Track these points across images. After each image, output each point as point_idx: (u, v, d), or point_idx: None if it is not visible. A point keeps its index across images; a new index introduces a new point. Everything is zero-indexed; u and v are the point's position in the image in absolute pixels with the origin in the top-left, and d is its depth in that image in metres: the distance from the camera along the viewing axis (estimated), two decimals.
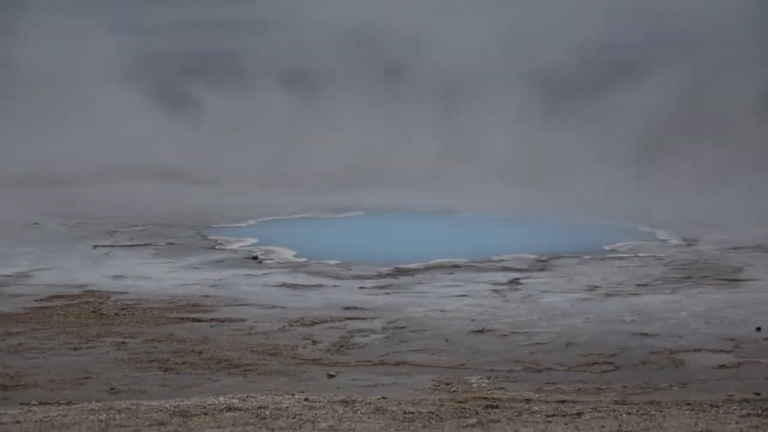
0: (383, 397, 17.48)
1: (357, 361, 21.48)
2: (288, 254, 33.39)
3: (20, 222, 38.99)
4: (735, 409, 16.64)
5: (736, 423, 15.44)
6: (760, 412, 16.40)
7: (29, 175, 51.02)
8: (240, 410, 16.22)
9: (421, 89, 61.57)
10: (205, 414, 15.97)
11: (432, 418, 15.74)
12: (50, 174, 51.26)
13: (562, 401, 17.36)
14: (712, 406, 16.97)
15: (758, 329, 23.62)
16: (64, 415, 15.98)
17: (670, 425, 15.25)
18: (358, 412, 16.12)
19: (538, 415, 16.04)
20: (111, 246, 35.00)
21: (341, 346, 22.70)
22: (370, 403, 16.77)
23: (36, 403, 17.58)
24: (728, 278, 29.53)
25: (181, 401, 17.22)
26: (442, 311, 25.78)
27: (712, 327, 24.07)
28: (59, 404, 17.31)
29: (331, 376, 20.22)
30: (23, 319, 25.22)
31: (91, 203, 43.69)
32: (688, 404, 17.09)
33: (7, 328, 24.32)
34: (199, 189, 47.29)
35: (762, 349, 22.22)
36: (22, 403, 17.45)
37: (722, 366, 21.01)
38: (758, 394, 18.26)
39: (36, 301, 27.23)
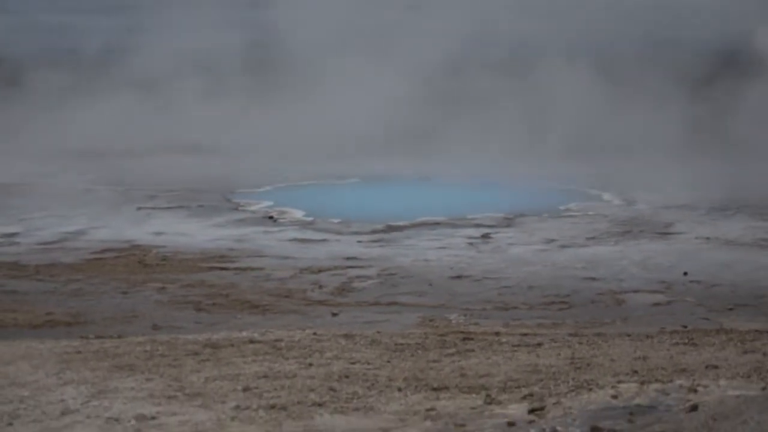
0: (378, 332, 17.61)
1: (356, 302, 21.60)
2: (298, 214, 33.47)
3: (77, 188, 39.00)
4: (666, 339, 16.81)
5: (668, 350, 15.62)
6: (687, 341, 16.58)
7: (85, 148, 50.89)
8: (260, 342, 16.37)
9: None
10: (231, 346, 16.13)
11: (418, 348, 15.89)
12: (102, 148, 51.12)
13: (526, 334, 17.49)
14: (648, 336, 17.13)
15: (685, 273, 23.73)
16: (116, 347, 16.12)
17: (613, 352, 15.41)
18: (357, 343, 16.27)
19: (506, 345, 16.19)
20: (152, 208, 35.06)
21: (343, 290, 22.82)
22: (367, 337, 16.91)
23: (93, 336, 17.72)
24: (661, 232, 29.59)
25: (212, 335, 17.36)
26: (426, 260, 25.86)
27: (648, 272, 24.17)
28: (112, 338, 17.44)
29: (334, 315, 20.35)
30: (81, 269, 25.30)
31: (135, 173, 43.68)
32: (629, 335, 17.25)
33: (69, 276, 24.43)
34: (224, 160, 47.21)
35: (688, 289, 22.35)
36: (81, 336, 17.59)
37: (656, 304, 21.15)
38: (685, 327, 18.43)
39: (91, 253, 27.29)
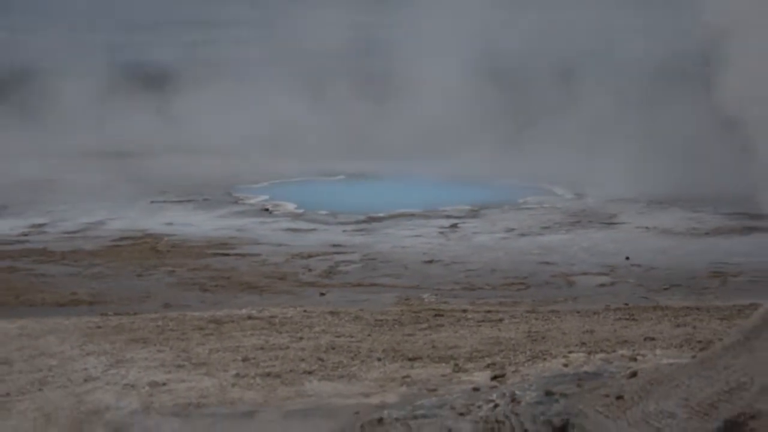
0: (360, 309, 17.64)
1: (341, 284, 21.61)
2: (290, 207, 33.40)
3: (98, 185, 38.88)
4: (610, 315, 16.89)
5: (611, 324, 15.71)
6: (628, 316, 16.68)
7: (103, 150, 50.76)
8: (257, 319, 16.41)
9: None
10: (232, 321, 16.16)
11: (395, 324, 15.96)
12: (119, 150, 50.97)
13: (489, 311, 17.53)
14: (594, 313, 17.21)
15: (627, 258, 23.78)
16: (132, 322, 16.14)
17: (565, 327, 15.49)
18: (342, 319, 16.32)
19: (472, 321, 16.25)
20: (163, 201, 34.95)
21: (329, 273, 22.81)
22: (350, 314, 16.94)
23: (111, 313, 17.69)
24: (606, 222, 29.63)
25: (215, 312, 17.37)
26: (402, 247, 25.86)
27: (595, 257, 24.23)
28: (128, 314, 17.43)
29: (322, 294, 20.35)
30: (101, 254, 25.25)
31: (149, 171, 43.56)
32: (578, 312, 17.32)
33: (90, 260, 24.39)
34: (227, 159, 47.10)
35: (630, 272, 22.42)
36: (101, 314, 17.56)
37: (602, 285, 21.22)
38: (627, 304, 18.48)
39: (110, 241, 27.24)
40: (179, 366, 13.05)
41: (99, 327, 15.70)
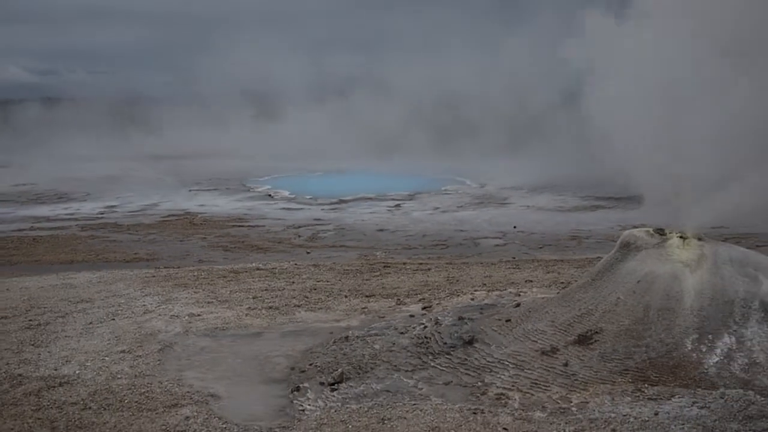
0: (333, 263, 17.64)
1: (321, 245, 21.59)
2: (285, 193, 33.35)
3: (153, 179, 38.67)
4: (503, 265, 16.98)
5: (503, 271, 15.81)
6: (514, 266, 16.77)
7: (156, 154, 50.50)
8: (263, 270, 16.36)
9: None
10: (246, 272, 16.11)
11: (357, 272, 15.98)
12: (168, 153, 50.72)
13: (421, 263, 17.60)
14: (492, 263, 17.31)
15: (514, 227, 23.92)
16: (176, 273, 16.03)
17: (472, 273, 15.57)
18: (321, 270, 16.32)
19: (409, 270, 16.30)
20: (197, 190, 34.82)
21: (313, 238, 22.79)
22: (327, 266, 16.94)
23: (162, 267, 17.59)
24: (500, 203, 29.84)
25: (234, 266, 17.31)
26: (362, 220, 25.90)
27: (493, 226, 24.37)
28: (174, 267, 17.34)
29: (308, 253, 20.32)
30: (154, 226, 25.07)
31: (188, 169, 43.37)
32: (481, 263, 17.42)
33: (147, 231, 24.22)
34: (242, 160, 46.95)
35: (516, 236, 22.57)
36: (155, 267, 17.47)
37: (497, 245, 21.34)
38: (514, 258, 18.59)
39: (161, 217, 27.06)
40: (209, 302, 13.01)
41: (153, 276, 15.61)
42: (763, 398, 7.50)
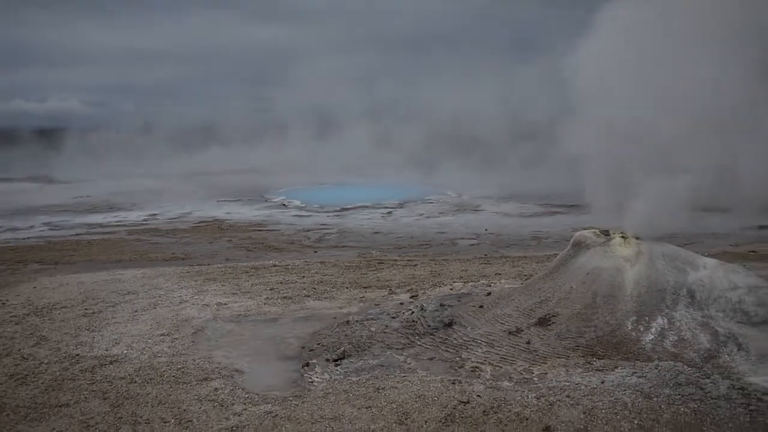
0: (337, 260, 17.61)
1: (326, 246, 21.53)
2: (297, 202, 33.29)
3: (188, 192, 38.56)
4: (476, 261, 16.95)
5: (477, 266, 15.77)
6: (486, 262, 16.75)
7: (190, 171, 50.35)
8: (279, 266, 16.32)
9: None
10: (265, 268, 16.06)
11: (357, 267, 15.94)
12: (201, 170, 50.61)
13: (410, 260, 17.58)
14: (467, 260, 17.29)
15: (486, 229, 23.90)
16: (207, 269, 15.95)
17: (451, 268, 15.55)
18: (327, 266, 16.27)
19: (399, 265, 16.27)
20: (224, 200, 34.70)
21: (320, 240, 22.73)
22: (331, 262, 16.91)
23: (195, 264, 17.52)
24: (474, 209, 29.81)
25: (255, 263, 17.25)
26: (361, 225, 25.85)
27: (468, 229, 24.34)
28: (205, 264, 17.27)
29: (315, 252, 20.27)
30: (188, 231, 24.98)
31: (216, 183, 43.29)
32: (459, 260, 17.40)
33: (183, 234, 24.12)
34: (262, 176, 46.82)
35: (487, 237, 22.53)
36: (189, 265, 17.39)
37: (472, 244, 21.32)
38: (485, 255, 18.57)
39: (194, 223, 26.95)
40: (234, 293, 12.97)
41: (187, 272, 15.56)
42: (689, 368, 7.52)
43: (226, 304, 12.07)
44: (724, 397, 6.97)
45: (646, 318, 8.39)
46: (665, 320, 8.33)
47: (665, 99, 9.17)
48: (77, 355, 9.32)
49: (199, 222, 27.67)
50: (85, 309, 11.89)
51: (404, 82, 68.33)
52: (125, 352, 9.38)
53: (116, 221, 28.19)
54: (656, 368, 7.53)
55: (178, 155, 59.08)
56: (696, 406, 6.84)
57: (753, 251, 17.95)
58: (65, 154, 59.39)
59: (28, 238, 23.95)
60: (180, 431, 6.98)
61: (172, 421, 7.18)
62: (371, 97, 64.49)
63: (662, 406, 6.85)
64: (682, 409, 6.79)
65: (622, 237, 9.57)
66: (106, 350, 9.48)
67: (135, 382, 8.23)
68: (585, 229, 10.23)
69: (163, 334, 10.16)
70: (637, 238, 9.50)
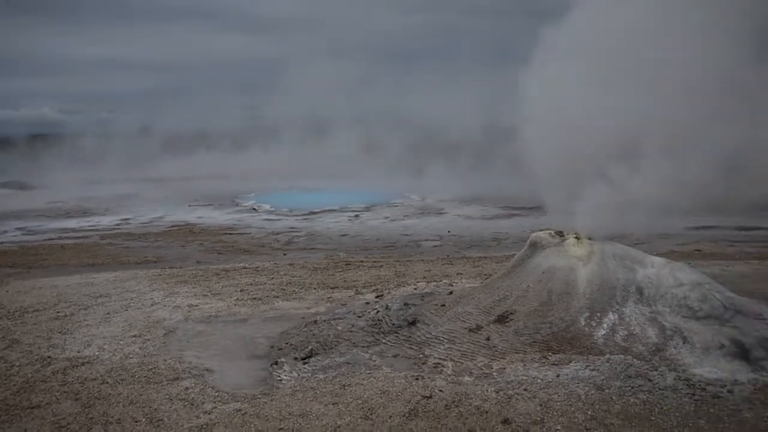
0: (306, 261, 17.51)
1: (295, 248, 21.41)
2: (267, 206, 33.05)
3: (160, 196, 37.97)
4: (439, 262, 16.98)
5: (440, 267, 15.82)
6: (448, 262, 16.80)
7: (160, 176, 49.65)
8: (249, 268, 16.16)
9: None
10: (235, 270, 15.90)
11: (324, 269, 15.87)
12: (174, 176, 49.91)
13: (375, 261, 17.55)
14: (431, 260, 17.30)
15: (449, 231, 24.00)
16: (179, 272, 15.73)
17: (415, 269, 15.56)
18: (295, 267, 16.17)
19: (366, 267, 16.24)
20: (196, 205, 34.28)
21: (289, 242, 22.59)
22: (300, 264, 16.79)
23: (167, 267, 17.27)
24: (438, 212, 29.91)
25: (225, 265, 17.07)
26: (328, 228, 25.76)
27: (431, 231, 24.43)
28: (177, 267, 17.03)
29: (284, 254, 20.14)
30: (160, 235, 24.62)
31: (189, 188, 42.70)
32: (422, 260, 17.42)
33: (155, 238, 23.77)
34: (234, 181, 46.32)
35: (450, 239, 22.63)
36: (161, 268, 17.13)
37: (435, 246, 21.39)
38: (448, 256, 18.63)
39: (166, 227, 26.58)
40: (205, 295, 12.83)
41: (159, 275, 15.32)
42: (638, 361, 7.64)
43: (197, 305, 11.93)
44: (671, 387, 7.10)
45: (598, 314, 8.51)
46: (616, 316, 8.45)
47: (607, 108, 9.34)
48: (49, 357, 9.12)
49: (172, 226, 27.30)
50: (58, 312, 11.64)
51: (378, 90, 68.14)
52: (97, 353, 9.20)
53: (89, 226, 27.67)
54: (608, 362, 7.64)
55: (151, 161, 58.21)
56: (645, 396, 6.96)
57: (698, 250, 18.35)
58: (39, 161, 58.10)
59: (2, 243, 23.38)
60: (151, 430, 6.87)
61: (144, 420, 7.06)
62: (346, 104, 64.40)
63: (613, 398, 6.96)
64: (632, 400, 6.91)
65: (576, 238, 9.69)
66: (78, 352, 9.29)
67: (107, 382, 8.08)
68: (541, 230, 10.34)
69: (134, 336, 10.00)
70: (590, 239, 9.64)
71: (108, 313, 11.45)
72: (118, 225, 27.84)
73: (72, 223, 28.42)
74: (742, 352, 7.78)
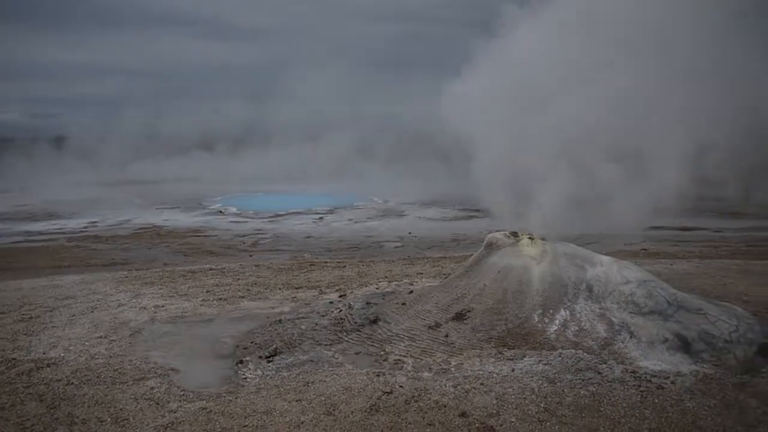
0: (271, 263, 17.37)
1: (261, 250, 21.24)
2: (233, 209, 32.75)
3: (126, 200, 37.31)
4: (401, 262, 17.00)
5: (401, 267, 15.84)
6: (409, 262, 16.83)
7: (129, 179, 48.82)
8: (215, 270, 15.96)
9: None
10: (201, 271, 15.67)
11: (289, 269, 15.76)
12: (142, 179, 49.12)
13: (339, 262, 17.50)
14: (392, 261, 17.32)
15: (410, 233, 24.09)
16: (145, 274, 15.45)
17: (377, 269, 15.56)
18: (261, 268, 16.03)
19: (329, 267, 16.18)
20: (163, 208, 33.76)
21: (255, 244, 22.39)
22: (265, 265, 16.65)
23: (134, 269, 16.94)
24: (399, 214, 30.01)
25: (192, 267, 16.84)
26: (293, 230, 25.62)
27: (393, 233, 24.50)
28: (143, 269, 16.72)
29: (250, 256, 19.95)
30: (128, 237, 24.17)
31: (156, 191, 42.04)
32: (384, 261, 17.42)
33: (122, 241, 23.33)
34: (203, 184, 45.76)
35: (411, 240, 22.75)
36: (128, 270, 16.80)
37: (397, 247, 21.45)
38: (409, 256, 18.69)
39: (133, 230, 26.09)
40: (171, 296, 12.61)
41: (126, 277, 15.02)
42: (588, 355, 7.76)
43: (163, 306, 11.72)
44: (619, 380, 7.23)
45: (551, 311, 8.61)
46: (567, 312, 8.57)
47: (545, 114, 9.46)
48: (14, 359, 8.85)
49: (139, 228, 26.82)
50: (23, 314, 11.31)
51: (344, 96, 68.04)
52: (62, 354, 8.97)
53: (56, 229, 27.01)
54: (560, 356, 7.74)
55: (120, 165, 57.11)
56: (594, 389, 7.06)
57: (644, 249, 18.75)
58: (5, 164, 56.50)
59: None
60: (116, 430, 6.71)
61: (109, 420, 6.90)
62: (311, 109, 64.13)
63: (565, 390, 7.05)
64: (582, 392, 7.00)
65: (530, 238, 9.81)
66: (44, 353, 9.04)
67: (72, 383, 7.87)
68: (497, 231, 10.43)
69: (100, 337, 9.77)
70: (543, 239, 9.76)
71: (74, 315, 11.17)
72: (85, 228, 27.24)
73: (38, 226, 27.71)
74: (684, 346, 7.96)
